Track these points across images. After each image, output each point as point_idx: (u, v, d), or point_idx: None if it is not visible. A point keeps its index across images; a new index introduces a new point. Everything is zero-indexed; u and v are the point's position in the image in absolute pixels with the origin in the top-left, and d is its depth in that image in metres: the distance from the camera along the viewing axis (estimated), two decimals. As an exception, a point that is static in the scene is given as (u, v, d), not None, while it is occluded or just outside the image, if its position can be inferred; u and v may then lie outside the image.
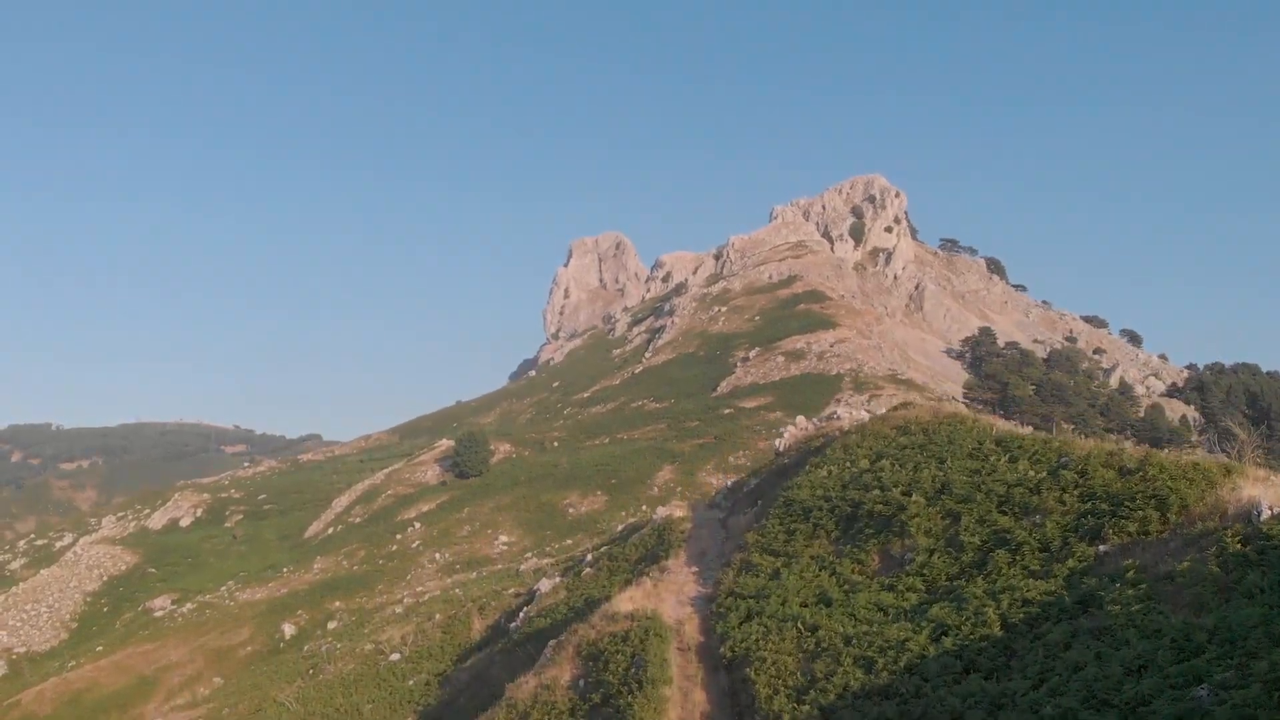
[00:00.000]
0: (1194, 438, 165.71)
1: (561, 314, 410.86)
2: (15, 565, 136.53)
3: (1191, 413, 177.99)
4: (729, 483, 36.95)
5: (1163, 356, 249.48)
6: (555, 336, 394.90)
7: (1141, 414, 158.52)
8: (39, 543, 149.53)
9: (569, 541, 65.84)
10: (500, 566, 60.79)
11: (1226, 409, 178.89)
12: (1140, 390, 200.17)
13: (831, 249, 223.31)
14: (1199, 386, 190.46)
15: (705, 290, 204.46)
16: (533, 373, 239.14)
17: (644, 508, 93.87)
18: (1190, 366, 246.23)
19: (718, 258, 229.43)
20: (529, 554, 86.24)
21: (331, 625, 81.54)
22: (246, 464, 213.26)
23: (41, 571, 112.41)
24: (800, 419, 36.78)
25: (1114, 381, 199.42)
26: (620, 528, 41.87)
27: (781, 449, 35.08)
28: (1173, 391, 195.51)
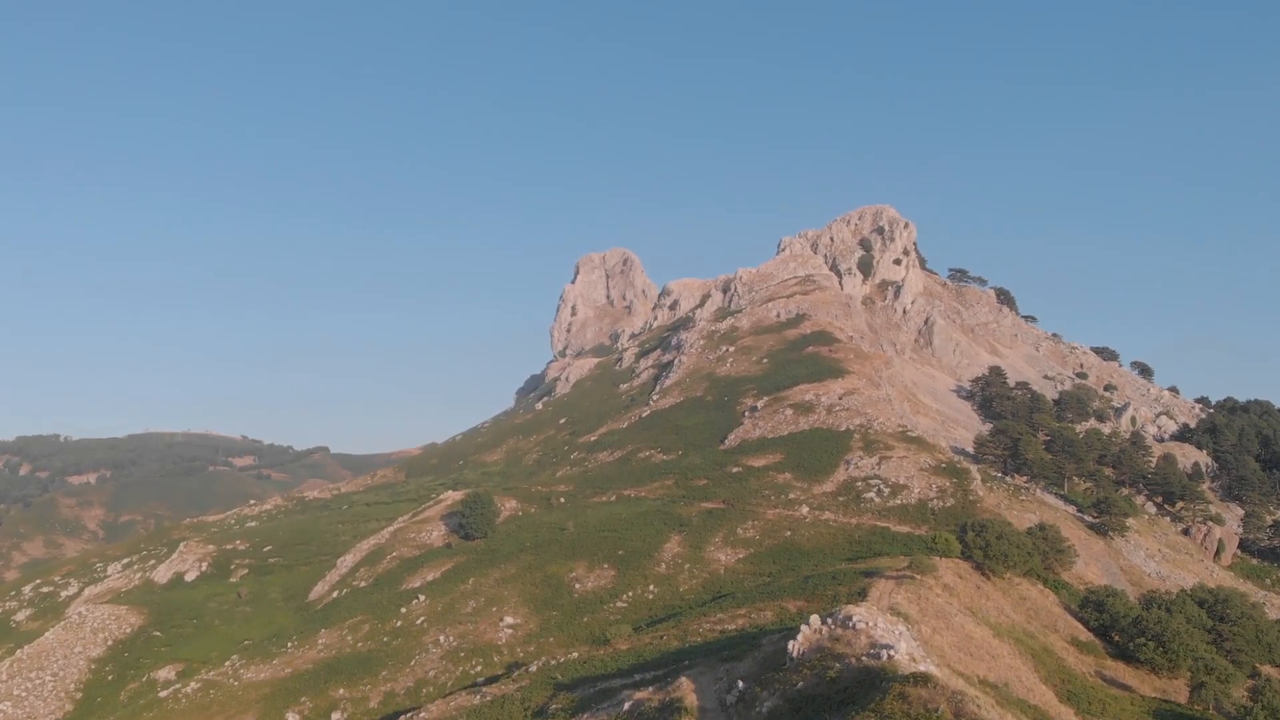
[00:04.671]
0: (1205, 486, 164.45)
1: (569, 331, 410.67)
2: (20, 616, 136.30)
3: (1204, 458, 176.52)
4: (740, 684, 36.01)
5: (1173, 390, 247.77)
6: (562, 354, 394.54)
7: (1153, 464, 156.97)
8: (45, 590, 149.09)
9: (574, 655, 64.90)
10: (508, 683, 59.89)
11: (1239, 453, 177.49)
12: (1152, 430, 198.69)
13: (840, 284, 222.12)
14: (1211, 429, 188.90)
15: (713, 327, 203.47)
16: (539, 406, 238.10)
17: (651, 588, 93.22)
18: (1201, 400, 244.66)
19: (725, 290, 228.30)
20: (532, 645, 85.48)
21: (335, 716, 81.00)
22: (253, 501, 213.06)
23: (47, 634, 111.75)
24: (814, 619, 35.84)
25: (1125, 422, 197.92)
26: (627, 705, 40.94)
27: (795, 655, 34.23)
28: (1184, 434, 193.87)
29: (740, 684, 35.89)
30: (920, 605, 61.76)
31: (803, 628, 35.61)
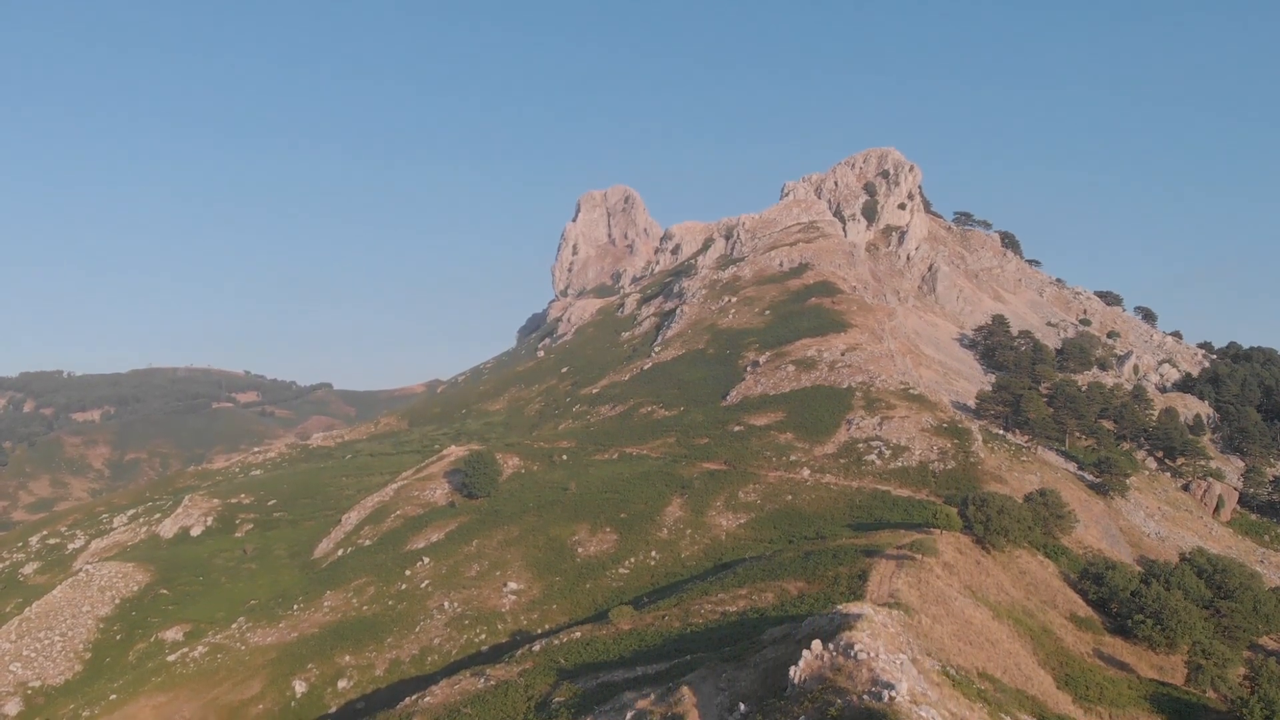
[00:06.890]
0: (1207, 438, 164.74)
1: (570, 271, 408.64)
2: (28, 569, 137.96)
3: (1205, 409, 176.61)
4: (741, 706, 36.18)
5: (1176, 335, 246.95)
6: (564, 293, 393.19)
7: (1155, 417, 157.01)
8: (51, 541, 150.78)
9: (577, 634, 65.41)
10: (511, 664, 60.58)
11: (1240, 404, 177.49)
12: (1154, 379, 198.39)
13: (844, 229, 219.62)
14: (1213, 379, 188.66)
15: (715, 276, 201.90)
16: (541, 353, 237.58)
17: (653, 554, 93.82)
18: (1204, 345, 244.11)
19: (727, 236, 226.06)
20: (535, 612, 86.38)
21: (341, 684, 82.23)
22: (257, 449, 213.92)
23: (55, 591, 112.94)
24: (816, 644, 35.77)
25: (1127, 371, 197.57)
26: (629, 714, 41.24)
27: (797, 682, 34.31)
28: (1187, 384, 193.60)
29: (742, 706, 36.04)
30: (920, 591, 62.12)
31: (804, 653, 35.60)
